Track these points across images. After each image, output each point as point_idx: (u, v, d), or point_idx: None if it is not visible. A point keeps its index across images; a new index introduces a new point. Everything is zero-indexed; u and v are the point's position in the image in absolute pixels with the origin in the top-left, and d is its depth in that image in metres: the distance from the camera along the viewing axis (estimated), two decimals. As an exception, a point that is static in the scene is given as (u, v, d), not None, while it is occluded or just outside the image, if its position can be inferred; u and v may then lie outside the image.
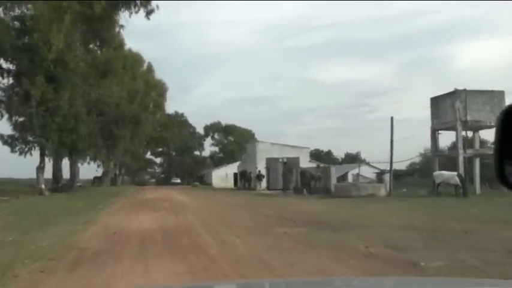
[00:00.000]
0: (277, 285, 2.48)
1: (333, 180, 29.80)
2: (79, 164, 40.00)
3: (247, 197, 28.15)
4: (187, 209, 19.17)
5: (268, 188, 41.85)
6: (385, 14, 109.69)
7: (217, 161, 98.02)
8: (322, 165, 45.68)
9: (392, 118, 27.75)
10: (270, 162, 44.49)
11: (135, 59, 48.30)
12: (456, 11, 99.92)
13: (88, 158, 39.05)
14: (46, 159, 32.21)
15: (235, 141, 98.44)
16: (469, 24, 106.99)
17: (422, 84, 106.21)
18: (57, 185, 32.37)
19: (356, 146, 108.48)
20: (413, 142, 76.33)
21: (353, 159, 75.94)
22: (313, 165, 44.71)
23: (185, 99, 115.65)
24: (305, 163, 45.02)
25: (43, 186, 27.99)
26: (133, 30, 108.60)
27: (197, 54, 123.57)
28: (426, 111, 30.07)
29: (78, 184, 38.48)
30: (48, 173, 34.32)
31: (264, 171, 43.93)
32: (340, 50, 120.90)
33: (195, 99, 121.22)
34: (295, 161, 45.35)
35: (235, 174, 73.43)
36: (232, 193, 35.22)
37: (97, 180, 62.46)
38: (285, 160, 45.45)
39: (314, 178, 29.80)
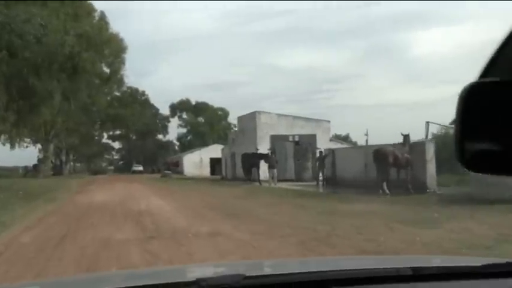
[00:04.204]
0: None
1: (431, 168, 16.61)
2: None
3: (300, 202, 14.65)
4: None
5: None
6: (344, 2, 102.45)
7: (186, 144, 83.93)
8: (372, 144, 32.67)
9: None
10: (277, 142, 31.03)
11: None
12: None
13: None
14: None
15: (206, 122, 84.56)
16: (425, 13, 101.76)
17: (380, 71, 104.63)
18: None
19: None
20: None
21: (343, 141, 64.19)
22: (337, 145, 31.71)
23: (141, 85, 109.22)
24: (325, 142, 32.00)
25: None
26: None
27: (154, 40, 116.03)
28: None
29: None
30: None
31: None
32: (299, 37, 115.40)
33: (152, 85, 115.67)
34: (311, 139, 32.17)
35: (211, 160, 59.78)
36: (239, 189, 21.53)
37: (33, 169, 47.57)
38: (296, 138, 32.19)
39: (400, 163, 16.55)
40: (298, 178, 30.39)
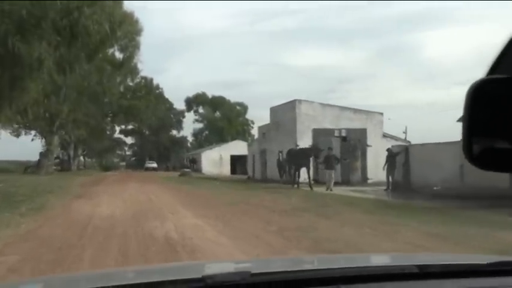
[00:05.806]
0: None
1: None
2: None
3: (415, 224, 9.30)
4: None
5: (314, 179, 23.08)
6: (356, 2, 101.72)
7: (202, 140, 78.98)
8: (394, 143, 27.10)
9: None
10: (320, 137, 25.68)
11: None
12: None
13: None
14: None
15: (224, 117, 79.41)
16: (438, 13, 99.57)
17: (392, 71, 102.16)
18: None
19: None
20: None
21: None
22: (391, 142, 26.21)
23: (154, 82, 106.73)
24: (377, 138, 26.92)
25: None
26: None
27: (167, 38, 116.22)
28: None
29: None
30: None
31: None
32: (311, 36, 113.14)
33: (165, 82, 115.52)
34: (361, 134, 26.86)
35: (232, 158, 54.65)
36: (292, 196, 16.11)
37: (37, 164, 42.61)
38: (343, 133, 26.83)
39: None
40: (345, 181, 25.17)
